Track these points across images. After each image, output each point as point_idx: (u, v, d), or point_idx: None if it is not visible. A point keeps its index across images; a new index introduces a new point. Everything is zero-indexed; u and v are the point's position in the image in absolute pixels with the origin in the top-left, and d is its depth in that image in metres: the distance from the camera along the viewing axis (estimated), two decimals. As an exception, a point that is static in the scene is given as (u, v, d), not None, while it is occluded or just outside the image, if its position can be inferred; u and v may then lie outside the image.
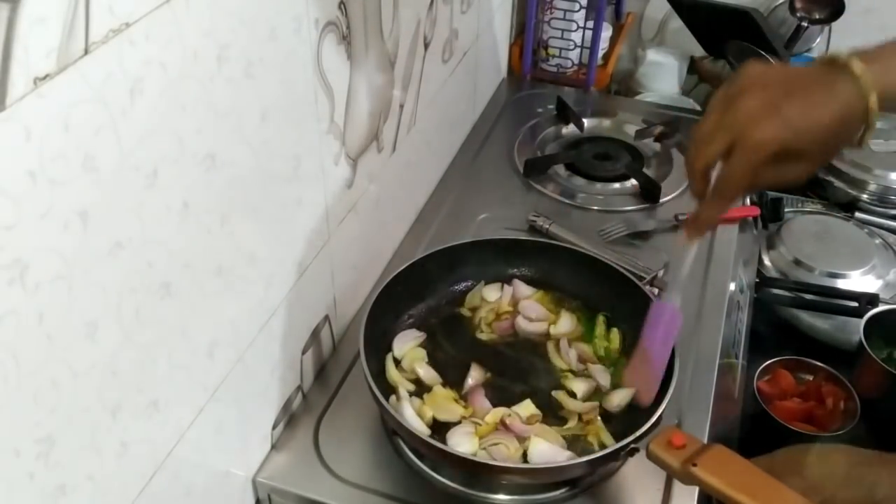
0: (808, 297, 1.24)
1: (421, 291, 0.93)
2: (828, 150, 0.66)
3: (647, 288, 0.90)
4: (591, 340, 0.90)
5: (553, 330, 0.90)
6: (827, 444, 0.63)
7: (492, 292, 0.95)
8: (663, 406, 0.75)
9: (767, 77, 0.66)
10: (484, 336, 0.91)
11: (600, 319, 0.91)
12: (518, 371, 0.87)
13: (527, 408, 0.81)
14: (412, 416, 0.79)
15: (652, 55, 1.56)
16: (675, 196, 1.20)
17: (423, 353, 0.88)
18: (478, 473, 0.77)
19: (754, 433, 1.08)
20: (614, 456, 0.74)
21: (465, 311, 0.94)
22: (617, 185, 1.22)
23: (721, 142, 0.65)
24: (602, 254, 0.97)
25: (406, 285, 0.90)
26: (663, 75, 1.55)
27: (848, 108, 0.64)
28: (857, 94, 0.63)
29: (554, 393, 0.84)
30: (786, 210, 1.34)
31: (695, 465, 0.68)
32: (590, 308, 0.93)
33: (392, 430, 0.84)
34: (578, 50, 1.46)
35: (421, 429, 0.78)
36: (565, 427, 0.80)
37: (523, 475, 0.76)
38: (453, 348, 0.89)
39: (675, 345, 0.79)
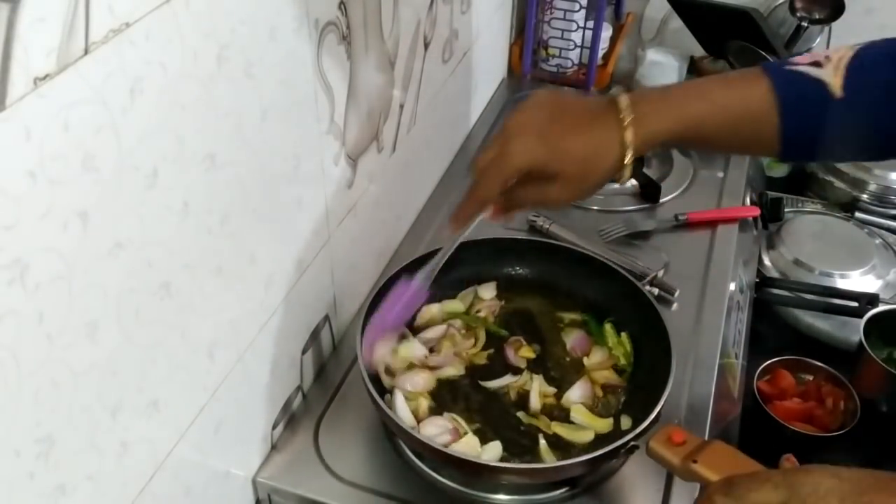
0: (808, 297, 1.24)
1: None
2: (583, 180, 0.69)
3: (647, 288, 0.89)
4: (606, 347, 0.89)
5: (587, 362, 0.88)
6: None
7: (487, 291, 0.95)
8: (661, 403, 0.75)
9: (546, 103, 0.70)
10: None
11: (608, 328, 0.90)
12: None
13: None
14: (408, 416, 0.79)
15: (652, 55, 1.55)
16: (675, 196, 1.20)
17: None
18: (476, 473, 0.77)
19: (754, 433, 1.08)
20: (614, 454, 0.74)
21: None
22: (617, 185, 1.22)
23: (492, 149, 0.69)
24: (602, 254, 0.96)
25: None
26: (663, 75, 1.55)
27: (604, 142, 0.67)
28: (615, 131, 0.67)
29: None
30: (786, 210, 1.34)
31: (695, 461, 0.68)
32: (591, 311, 0.93)
33: (391, 430, 0.84)
34: (578, 50, 1.46)
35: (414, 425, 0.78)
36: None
37: (522, 475, 0.76)
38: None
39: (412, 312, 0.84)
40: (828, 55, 0.66)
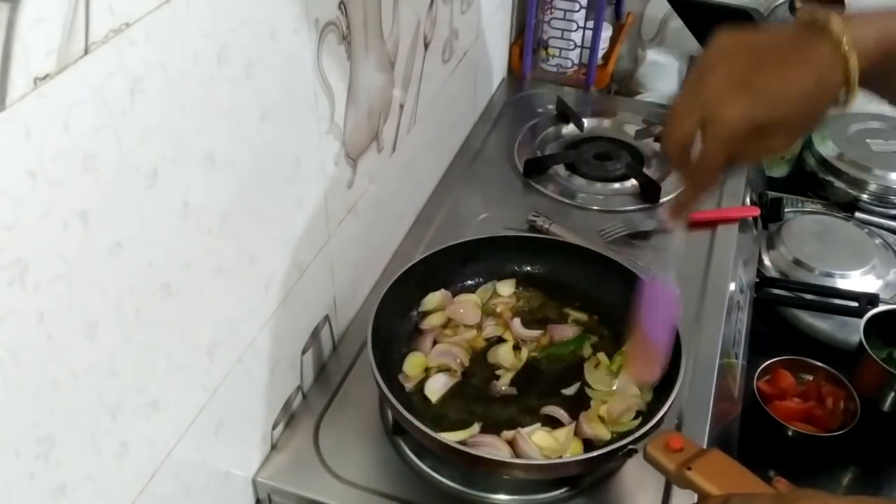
0: (808, 297, 1.24)
1: (431, 286, 0.93)
2: (808, 118, 0.62)
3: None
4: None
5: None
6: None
7: (505, 287, 0.96)
8: (665, 410, 0.75)
9: (737, 48, 0.62)
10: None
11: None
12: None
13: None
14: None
15: (652, 55, 1.56)
16: (675, 196, 1.20)
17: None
18: (475, 467, 0.77)
19: (754, 433, 1.08)
20: (611, 456, 0.74)
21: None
22: (617, 185, 1.22)
23: (691, 120, 0.62)
24: (613, 255, 0.96)
25: (417, 279, 0.90)
26: (663, 75, 1.55)
27: (826, 73, 0.60)
28: (836, 56, 0.59)
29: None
30: (786, 210, 1.34)
31: (689, 468, 0.68)
32: (604, 312, 0.93)
33: (393, 428, 0.84)
34: (578, 50, 1.46)
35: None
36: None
37: (519, 470, 0.76)
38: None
39: (676, 326, 0.78)
40: None
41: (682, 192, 0.67)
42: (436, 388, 0.84)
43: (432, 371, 0.86)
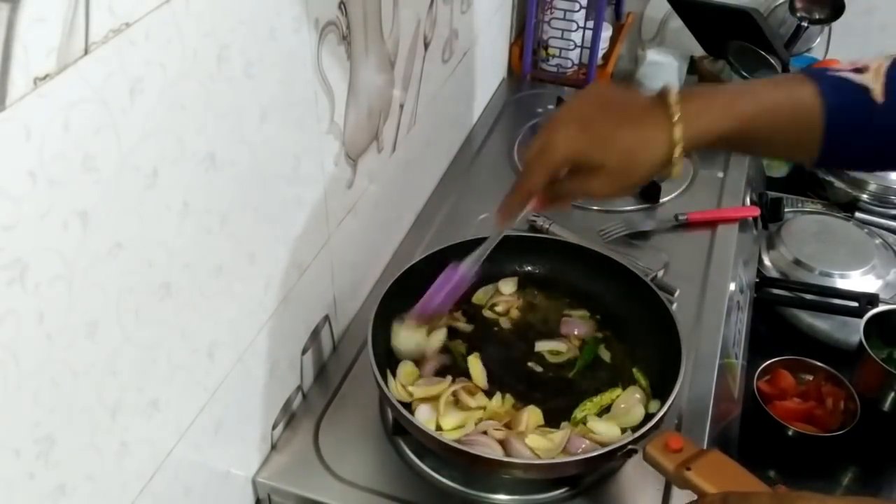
0: (808, 297, 1.24)
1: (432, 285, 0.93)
2: (627, 172, 0.68)
3: (656, 287, 0.89)
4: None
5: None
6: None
7: (507, 286, 0.96)
8: (664, 410, 0.75)
9: (596, 93, 0.72)
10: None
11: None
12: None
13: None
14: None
15: (652, 55, 1.56)
16: (674, 196, 1.20)
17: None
18: (475, 467, 0.77)
19: (754, 433, 1.08)
20: (610, 456, 0.74)
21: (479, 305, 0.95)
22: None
23: (538, 141, 0.69)
24: (615, 256, 0.96)
25: (417, 279, 0.90)
26: (663, 75, 1.55)
27: (651, 136, 0.66)
28: (665, 125, 0.66)
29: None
30: (786, 210, 1.34)
31: (689, 468, 0.68)
32: (603, 312, 0.93)
33: (393, 428, 0.84)
34: (578, 50, 1.46)
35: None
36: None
37: (519, 469, 0.76)
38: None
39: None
40: (866, 64, 0.67)
41: (504, 202, 0.73)
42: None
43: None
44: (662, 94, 0.67)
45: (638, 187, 0.71)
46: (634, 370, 0.86)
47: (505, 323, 0.93)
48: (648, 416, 0.79)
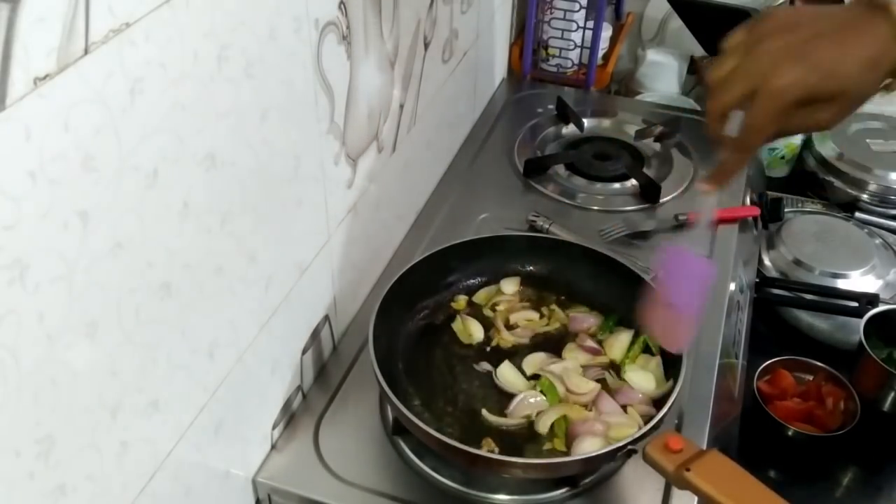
0: (808, 297, 1.24)
1: (431, 286, 0.93)
2: (859, 93, 0.62)
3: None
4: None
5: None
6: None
7: (509, 285, 0.96)
8: (665, 410, 0.75)
9: (794, 19, 0.63)
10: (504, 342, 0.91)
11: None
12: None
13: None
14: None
15: (652, 55, 1.56)
16: (675, 196, 1.20)
17: None
18: (475, 467, 0.77)
19: (754, 433, 1.08)
20: (610, 456, 0.74)
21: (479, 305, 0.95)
22: (617, 185, 1.22)
23: (740, 88, 0.61)
24: (616, 256, 0.96)
25: (417, 279, 0.90)
26: (663, 75, 1.55)
27: (882, 49, 0.60)
28: (893, 35, 0.59)
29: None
30: (786, 210, 1.34)
31: (688, 469, 0.68)
32: (607, 312, 0.93)
33: (393, 428, 0.84)
34: (578, 50, 1.46)
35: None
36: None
37: (518, 469, 0.76)
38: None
39: (704, 297, 0.76)
40: None
41: (723, 163, 0.66)
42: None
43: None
44: (876, 2, 0.61)
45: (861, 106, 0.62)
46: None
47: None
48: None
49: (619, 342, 0.89)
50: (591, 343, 0.89)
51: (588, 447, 0.77)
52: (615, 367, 0.87)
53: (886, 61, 0.61)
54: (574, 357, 0.88)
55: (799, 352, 1.20)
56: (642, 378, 0.84)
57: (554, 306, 0.94)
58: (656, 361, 0.86)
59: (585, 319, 0.92)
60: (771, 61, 0.60)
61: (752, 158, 0.65)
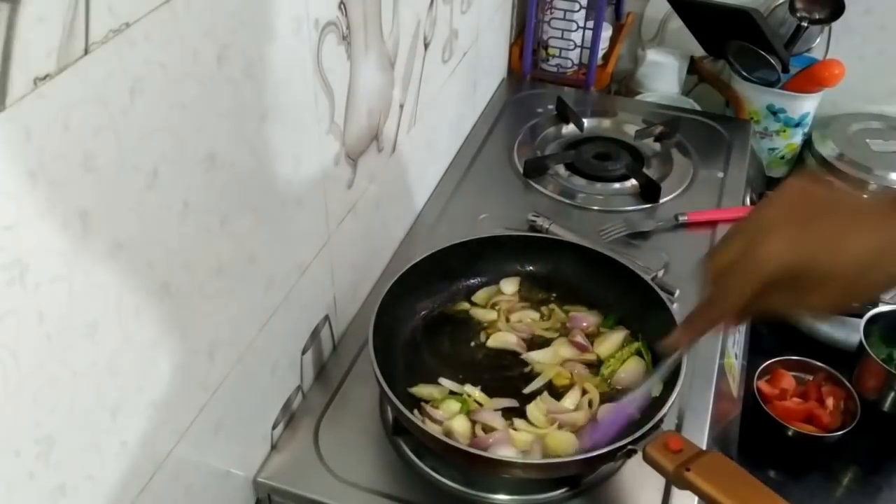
0: (808, 297, 1.24)
1: (431, 286, 0.93)
2: (860, 284, 0.55)
3: (656, 286, 0.89)
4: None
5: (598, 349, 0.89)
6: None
7: (509, 286, 0.96)
8: (665, 410, 0.75)
9: (806, 191, 0.58)
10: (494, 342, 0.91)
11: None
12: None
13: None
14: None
15: (652, 55, 1.56)
16: (675, 196, 1.20)
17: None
18: (474, 467, 0.77)
19: (754, 433, 1.08)
20: (611, 456, 0.74)
21: (477, 306, 0.95)
22: (617, 185, 1.22)
23: (734, 247, 0.58)
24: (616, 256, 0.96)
25: (417, 279, 0.90)
26: (663, 75, 1.55)
27: (889, 246, 0.54)
28: None
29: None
30: (786, 210, 1.34)
31: (688, 469, 0.68)
32: (607, 312, 0.93)
33: (393, 428, 0.84)
34: (578, 50, 1.46)
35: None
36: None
37: (518, 469, 0.76)
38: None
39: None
40: None
41: (686, 323, 0.64)
42: None
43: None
44: None
45: (864, 301, 0.60)
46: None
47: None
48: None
49: (610, 341, 0.89)
50: (580, 339, 0.89)
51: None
52: (598, 364, 0.88)
53: (891, 259, 0.55)
54: (560, 351, 0.88)
55: (799, 352, 1.20)
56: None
57: (553, 306, 0.95)
58: (646, 365, 0.86)
59: (585, 319, 0.92)
60: (767, 224, 0.57)
61: (718, 328, 0.62)
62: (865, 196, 0.59)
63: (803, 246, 0.55)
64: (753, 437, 1.07)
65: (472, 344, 0.91)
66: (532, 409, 0.83)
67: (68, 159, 0.47)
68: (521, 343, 0.90)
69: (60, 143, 0.47)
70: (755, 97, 1.48)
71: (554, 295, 0.96)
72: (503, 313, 0.93)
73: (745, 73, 1.45)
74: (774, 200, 0.58)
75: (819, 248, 0.54)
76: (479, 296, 0.96)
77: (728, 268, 0.57)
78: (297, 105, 0.74)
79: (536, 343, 0.90)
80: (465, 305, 0.95)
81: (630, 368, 0.86)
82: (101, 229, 0.51)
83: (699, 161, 1.27)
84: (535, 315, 0.93)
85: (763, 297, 0.57)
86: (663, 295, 0.87)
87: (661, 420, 0.75)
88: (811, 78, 1.42)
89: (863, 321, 1.16)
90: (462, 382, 0.85)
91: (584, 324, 0.91)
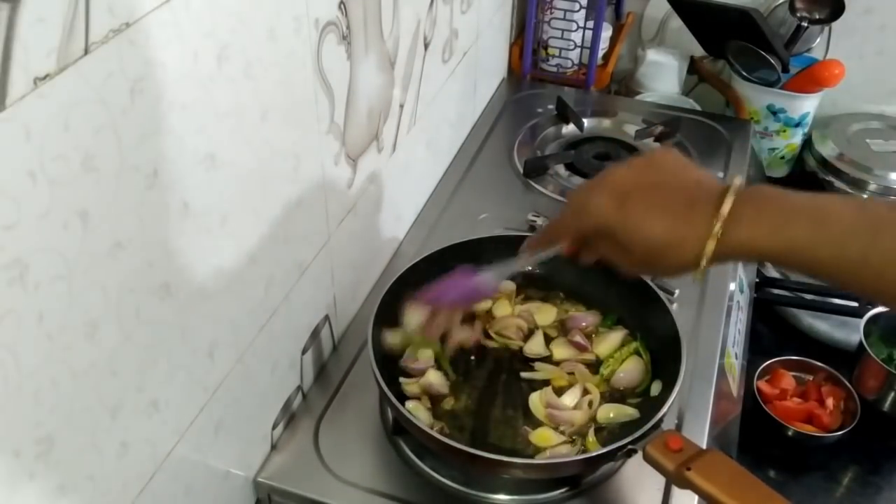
0: (808, 297, 1.24)
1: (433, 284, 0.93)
2: (649, 264, 0.63)
3: (656, 286, 0.89)
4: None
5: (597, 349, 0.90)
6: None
7: (508, 286, 0.96)
8: (664, 410, 0.75)
9: (658, 164, 0.63)
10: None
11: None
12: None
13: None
14: (414, 405, 0.81)
15: (652, 55, 1.56)
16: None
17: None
18: (474, 467, 0.77)
19: (754, 433, 1.08)
20: (611, 456, 0.74)
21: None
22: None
23: (585, 189, 0.65)
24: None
25: (418, 279, 0.89)
26: (663, 75, 1.55)
27: (682, 238, 0.59)
28: (700, 233, 0.58)
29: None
30: (786, 210, 1.34)
31: (689, 468, 0.68)
32: (607, 313, 0.93)
33: (393, 428, 0.84)
34: (578, 50, 1.46)
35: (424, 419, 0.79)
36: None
37: (518, 469, 0.76)
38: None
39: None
40: None
41: (539, 234, 0.73)
42: None
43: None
44: (723, 190, 0.59)
45: (665, 277, 0.66)
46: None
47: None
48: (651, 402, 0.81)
49: (609, 340, 0.89)
50: (580, 339, 0.89)
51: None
52: (597, 364, 0.88)
53: (685, 249, 0.59)
54: (559, 350, 0.89)
55: (799, 352, 1.20)
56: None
57: (553, 306, 0.94)
58: (644, 365, 0.86)
59: (584, 318, 0.92)
60: (603, 189, 0.63)
61: (545, 248, 0.71)
62: (700, 184, 0.61)
63: (616, 214, 0.61)
64: (753, 437, 1.07)
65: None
66: (534, 399, 0.83)
67: (68, 159, 0.47)
68: (521, 332, 0.91)
69: (60, 143, 0.47)
70: (755, 97, 1.48)
71: (554, 295, 0.96)
72: (505, 298, 0.94)
73: (745, 73, 1.45)
74: (632, 163, 0.64)
75: (625, 220, 0.61)
76: None
77: (575, 204, 0.65)
78: (297, 105, 0.74)
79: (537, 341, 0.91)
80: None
81: (629, 368, 0.86)
82: (101, 229, 0.51)
83: (699, 161, 1.27)
84: (536, 315, 0.93)
85: (594, 241, 0.65)
86: (662, 295, 0.87)
87: (661, 420, 0.75)
88: (811, 78, 1.42)
89: (863, 321, 1.16)
90: (461, 373, 0.86)
91: (583, 323, 0.91)
